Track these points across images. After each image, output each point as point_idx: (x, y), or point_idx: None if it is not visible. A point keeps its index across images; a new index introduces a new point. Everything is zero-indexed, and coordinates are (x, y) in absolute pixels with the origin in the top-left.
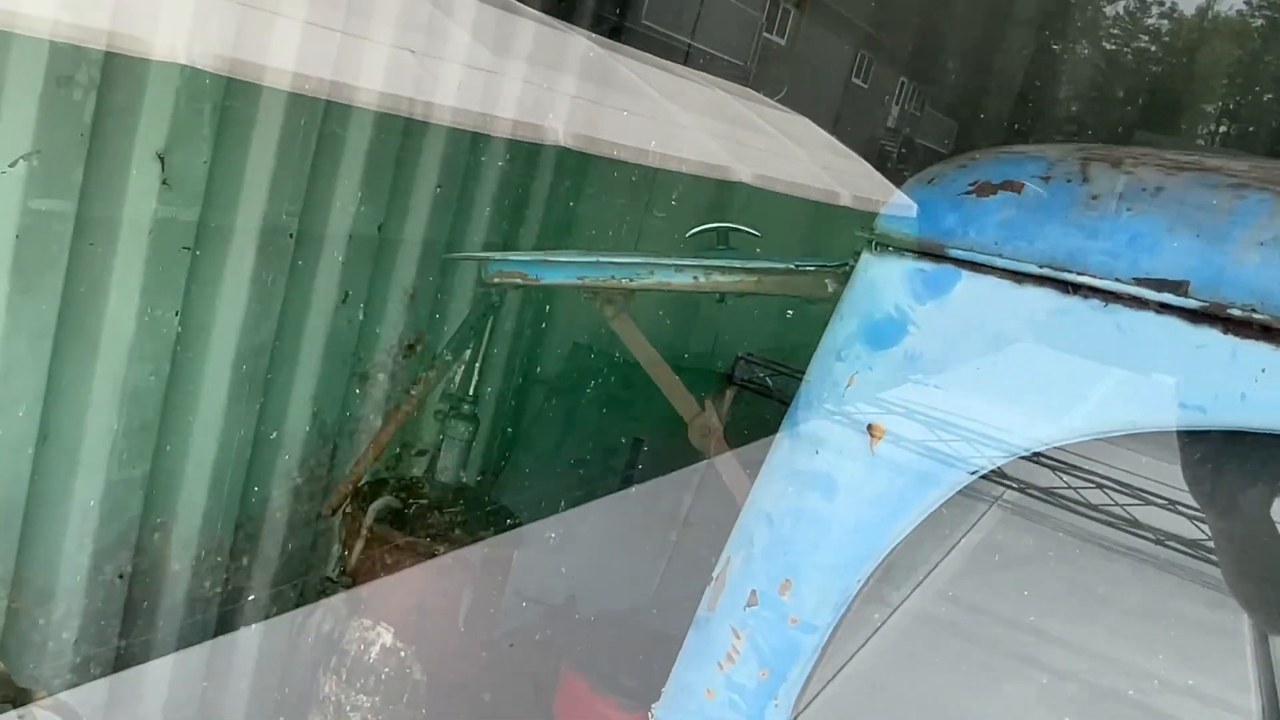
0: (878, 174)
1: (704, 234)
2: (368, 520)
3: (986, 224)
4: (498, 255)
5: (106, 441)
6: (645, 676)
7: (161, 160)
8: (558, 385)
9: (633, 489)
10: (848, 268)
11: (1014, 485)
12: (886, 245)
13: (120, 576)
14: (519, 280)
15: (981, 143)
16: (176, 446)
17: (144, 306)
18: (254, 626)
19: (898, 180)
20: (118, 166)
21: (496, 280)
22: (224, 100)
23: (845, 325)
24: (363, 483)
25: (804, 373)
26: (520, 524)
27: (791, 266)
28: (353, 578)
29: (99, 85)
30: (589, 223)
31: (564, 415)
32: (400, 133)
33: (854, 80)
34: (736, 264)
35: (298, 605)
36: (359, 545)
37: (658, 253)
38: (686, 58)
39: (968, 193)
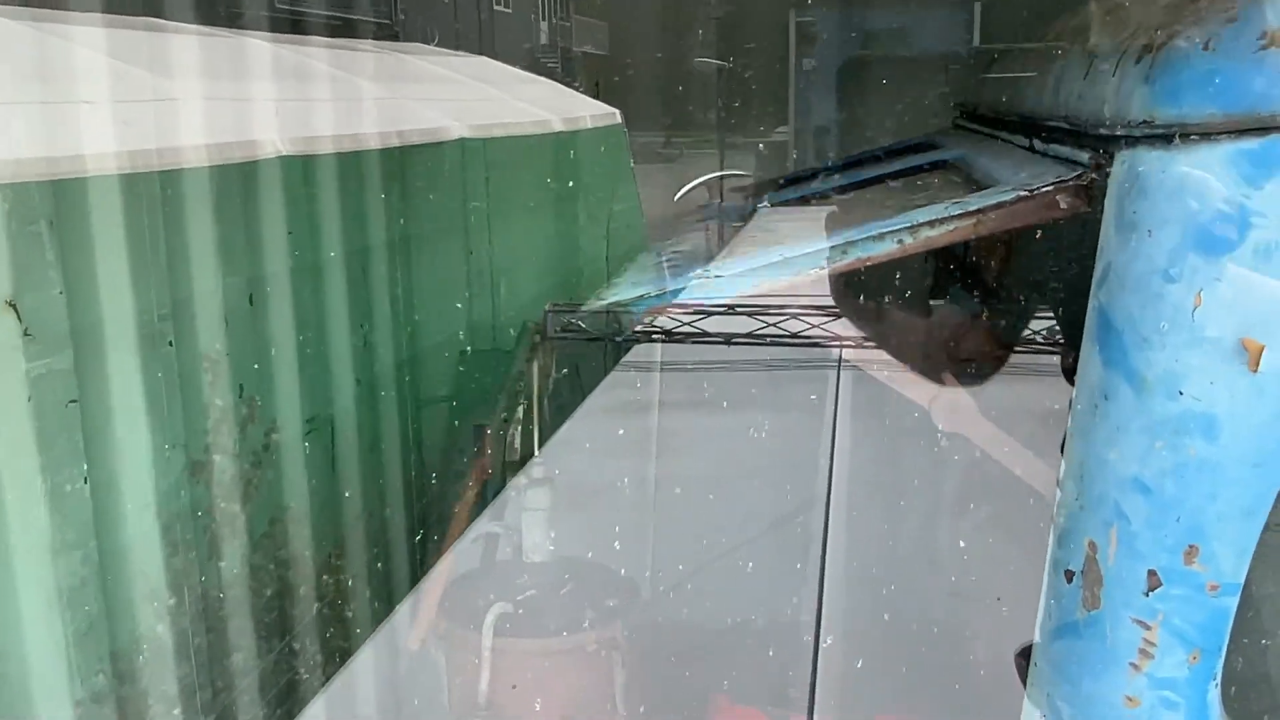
0: (572, 92)
1: (695, 191)
2: (485, 640)
3: None
4: (647, 292)
5: (59, 660)
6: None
7: (14, 308)
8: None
9: None
10: (1090, 178)
11: (850, 344)
12: (1187, 133)
13: None
14: (676, 309)
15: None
16: (129, 633)
17: (50, 486)
18: None
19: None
20: None
21: (644, 320)
22: (54, 214)
23: (1160, 241)
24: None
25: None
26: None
27: (1013, 195)
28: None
29: None
30: (413, 215)
31: None
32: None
33: (498, 9)
34: (950, 212)
35: None
36: (486, 669)
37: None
38: (335, 31)
39: (1263, 48)
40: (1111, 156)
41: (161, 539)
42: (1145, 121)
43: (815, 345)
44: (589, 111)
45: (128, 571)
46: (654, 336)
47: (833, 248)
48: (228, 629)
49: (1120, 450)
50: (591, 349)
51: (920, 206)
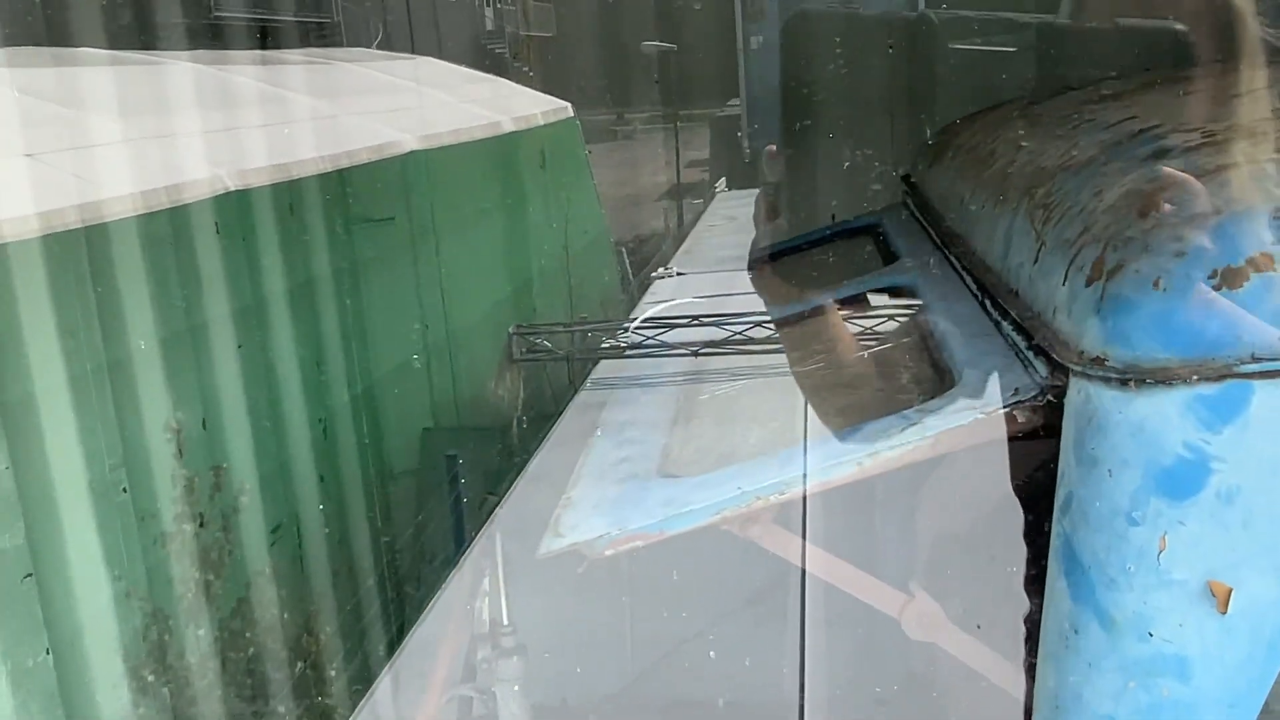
0: (522, 88)
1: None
2: None
3: (1257, 320)
4: (608, 532)
5: None
6: None
7: None
8: None
9: None
10: (1046, 400)
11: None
12: (1143, 379)
13: None
14: (639, 542)
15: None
16: None
17: (12, 667)
18: None
19: (532, 82)
20: None
21: (609, 552)
22: None
23: (1121, 482)
24: None
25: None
26: None
27: (971, 419)
28: None
29: None
30: (366, 240)
31: None
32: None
33: None
34: (909, 437)
35: None
36: None
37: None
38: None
39: (1214, 289)
40: (1066, 380)
41: (128, 689)
42: (1098, 359)
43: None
44: (540, 108)
45: None
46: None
47: (791, 478)
48: None
49: (1094, 687)
50: (557, 368)
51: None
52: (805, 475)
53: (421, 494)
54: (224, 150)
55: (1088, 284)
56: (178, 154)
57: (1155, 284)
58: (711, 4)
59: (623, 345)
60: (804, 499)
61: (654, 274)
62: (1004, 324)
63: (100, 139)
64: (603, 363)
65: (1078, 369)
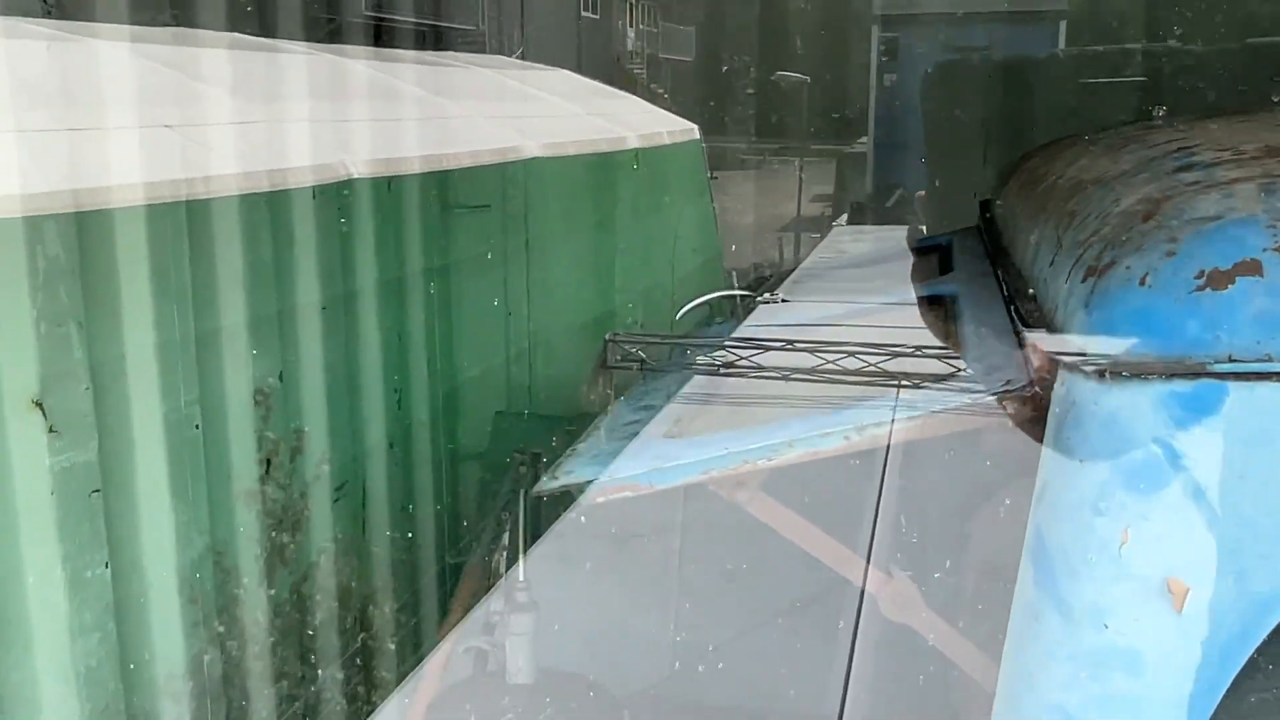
0: (652, 107)
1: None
2: None
3: (1238, 322)
4: (597, 476)
5: None
6: None
7: (41, 407)
8: None
9: None
10: (1033, 391)
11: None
12: (1119, 372)
13: None
14: (629, 493)
15: (721, 47)
16: (145, 712)
17: (70, 573)
18: None
19: (667, 106)
20: None
21: (600, 500)
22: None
23: (1090, 473)
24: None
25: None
26: None
27: (960, 402)
28: None
29: None
30: (461, 247)
31: None
32: (230, 227)
33: (585, 14)
34: (898, 414)
35: None
36: None
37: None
38: (422, 39)
39: (1198, 289)
40: (1054, 372)
41: (180, 612)
42: (1081, 351)
43: (872, 384)
44: (667, 127)
45: (149, 645)
46: (719, 370)
47: (778, 443)
48: (244, 711)
49: (1049, 675)
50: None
51: None
52: (793, 444)
53: (486, 472)
54: (351, 139)
55: (1083, 280)
56: (308, 138)
57: (1142, 280)
58: (848, 41)
59: (716, 363)
60: (794, 471)
61: (759, 299)
62: (1017, 323)
63: (238, 118)
64: (696, 379)
65: (1063, 359)
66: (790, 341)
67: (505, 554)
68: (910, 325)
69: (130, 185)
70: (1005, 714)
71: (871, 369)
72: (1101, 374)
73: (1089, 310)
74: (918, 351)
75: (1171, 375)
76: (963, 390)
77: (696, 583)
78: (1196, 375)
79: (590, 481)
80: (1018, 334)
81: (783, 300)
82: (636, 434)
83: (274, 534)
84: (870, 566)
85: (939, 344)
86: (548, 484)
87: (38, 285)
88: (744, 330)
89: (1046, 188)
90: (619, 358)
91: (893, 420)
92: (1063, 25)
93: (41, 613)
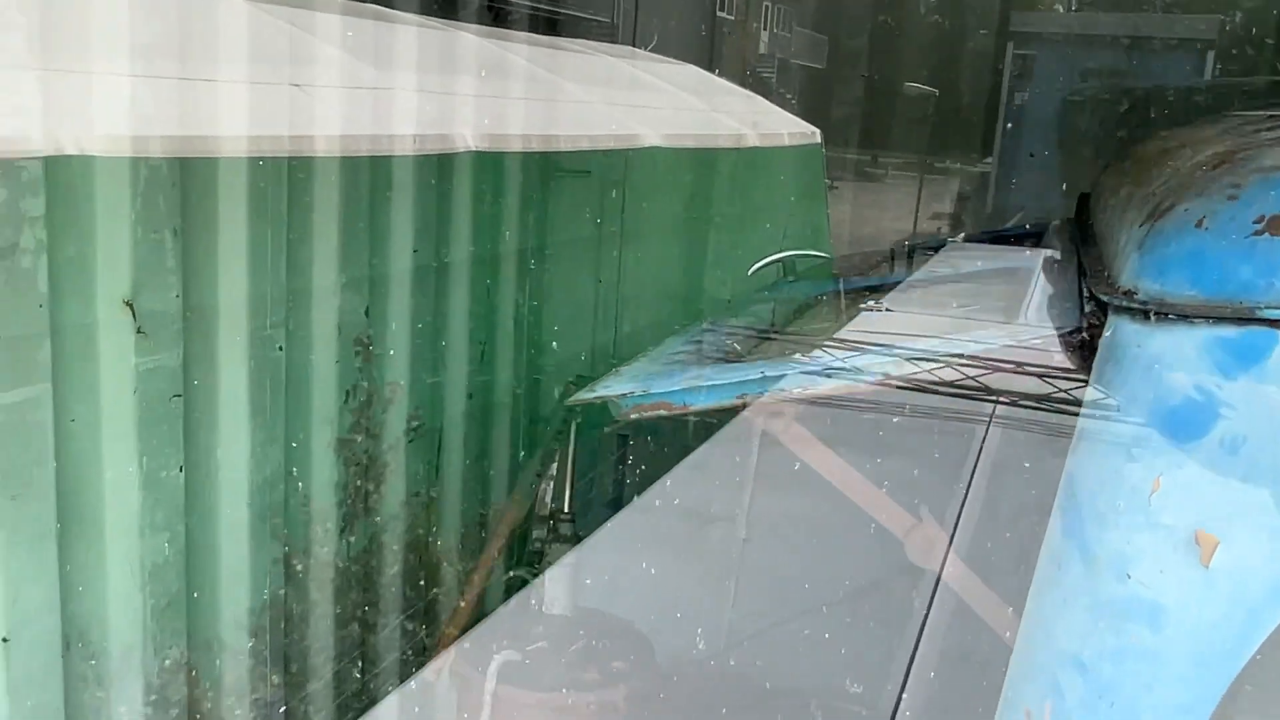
0: (776, 108)
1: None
2: (489, 684)
3: None
4: (634, 390)
5: (137, 630)
6: None
7: (131, 307)
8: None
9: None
10: (1081, 338)
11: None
12: (1165, 313)
13: None
14: (663, 411)
15: (854, 56)
16: (207, 612)
17: (145, 472)
18: None
19: (793, 110)
20: (85, 330)
21: (634, 416)
22: (181, 225)
23: (1128, 417)
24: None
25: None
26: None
27: (1011, 343)
28: None
29: (48, 246)
30: (564, 224)
31: None
32: (343, 183)
33: (720, 14)
34: (948, 350)
35: None
36: (485, 710)
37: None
38: (553, 26)
39: (1256, 233)
40: (1105, 319)
41: (248, 522)
42: (1130, 291)
43: (967, 397)
44: (788, 129)
45: (215, 553)
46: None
47: (815, 373)
48: (304, 621)
49: (1065, 623)
50: None
51: None
52: (830, 374)
53: (560, 429)
54: (476, 113)
55: (1142, 224)
56: (433, 109)
57: (1199, 223)
58: (980, 59)
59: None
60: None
61: (863, 305)
62: (1082, 280)
63: (366, 83)
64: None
65: (1113, 301)
66: (888, 347)
67: (551, 483)
68: (1012, 344)
69: (240, 137)
70: (1021, 664)
71: (969, 381)
72: (1147, 315)
73: (1142, 252)
74: (1019, 368)
75: (1219, 319)
76: (1060, 410)
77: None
78: (1246, 320)
79: (625, 395)
80: (1083, 292)
81: (886, 310)
82: (678, 361)
83: (350, 466)
84: (899, 508)
85: (1041, 363)
86: (583, 394)
87: (138, 191)
88: (843, 335)
89: (1136, 162)
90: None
91: (985, 436)
92: (1211, 55)
93: (115, 507)
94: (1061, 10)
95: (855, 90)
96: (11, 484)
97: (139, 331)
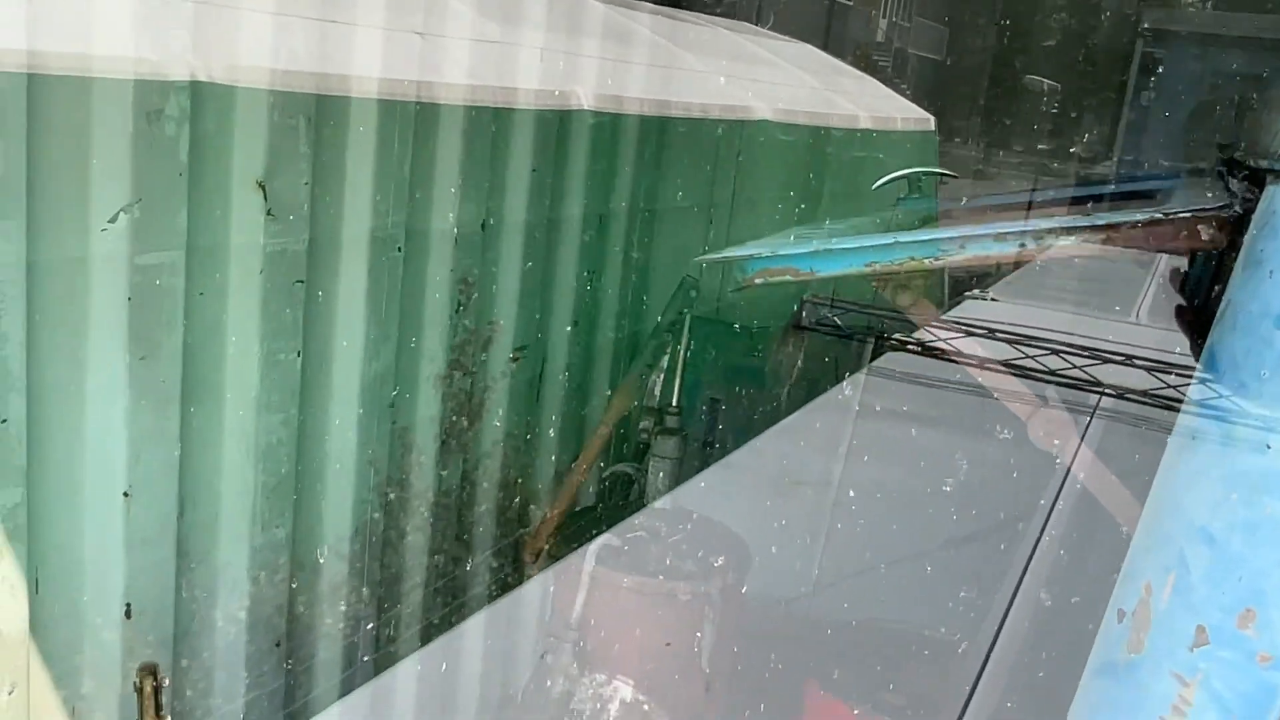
0: (891, 92)
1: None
2: (588, 564)
3: None
4: (759, 252)
5: (246, 504)
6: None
7: (263, 189)
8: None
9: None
10: (1233, 210)
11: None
12: None
13: (276, 644)
14: (789, 277)
15: (974, 47)
16: (314, 496)
17: (265, 352)
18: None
19: (905, 95)
20: (219, 204)
21: (758, 281)
22: (315, 115)
23: (1279, 283)
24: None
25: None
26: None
27: (1148, 216)
28: (579, 630)
29: (190, 116)
30: (680, 181)
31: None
32: (464, 119)
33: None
34: (1078, 223)
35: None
36: (581, 593)
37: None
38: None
39: None
40: (1259, 191)
41: (359, 413)
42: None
43: (1072, 387)
44: (901, 114)
45: (325, 438)
46: (908, 347)
47: (949, 239)
48: (403, 511)
49: (1195, 495)
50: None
51: None
52: (965, 244)
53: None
54: (594, 75)
55: None
56: (547, 66)
57: None
58: (1105, 55)
59: (911, 342)
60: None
61: (968, 293)
62: (1228, 174)
63: (486, 36)
64: (889, 355)
65: (1269, 169)
66: (992, 331)
67: (662, 375)
68: (1119, 340)
69: (370, 78)
70: (1145, 536)
71: (1075, 370)
72: None
73: None
74: (1127, 361)
75: None
76: (1167, 406)
77: None
78: None
79: (750, 257)
80: (1224, 167)
81: (992, 299)
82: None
83: (456, 370)
84: (1027, 390)
85: (1150, 359)
86: (709, 256)
87: (276, 78)
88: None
89: None
90: (813, 321)
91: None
92: None
93: (234, 384)
94: (1194, 10)
95: (973, 85)
96: (142, 345)
97: (268, 214)
